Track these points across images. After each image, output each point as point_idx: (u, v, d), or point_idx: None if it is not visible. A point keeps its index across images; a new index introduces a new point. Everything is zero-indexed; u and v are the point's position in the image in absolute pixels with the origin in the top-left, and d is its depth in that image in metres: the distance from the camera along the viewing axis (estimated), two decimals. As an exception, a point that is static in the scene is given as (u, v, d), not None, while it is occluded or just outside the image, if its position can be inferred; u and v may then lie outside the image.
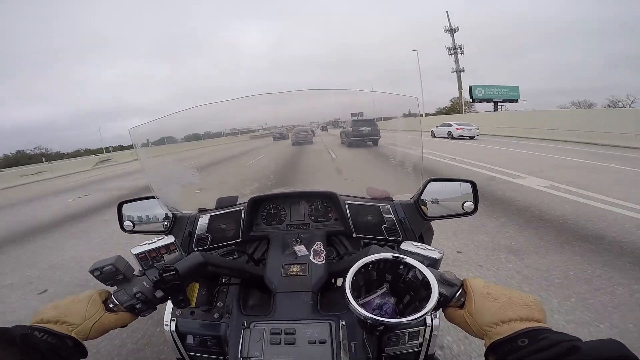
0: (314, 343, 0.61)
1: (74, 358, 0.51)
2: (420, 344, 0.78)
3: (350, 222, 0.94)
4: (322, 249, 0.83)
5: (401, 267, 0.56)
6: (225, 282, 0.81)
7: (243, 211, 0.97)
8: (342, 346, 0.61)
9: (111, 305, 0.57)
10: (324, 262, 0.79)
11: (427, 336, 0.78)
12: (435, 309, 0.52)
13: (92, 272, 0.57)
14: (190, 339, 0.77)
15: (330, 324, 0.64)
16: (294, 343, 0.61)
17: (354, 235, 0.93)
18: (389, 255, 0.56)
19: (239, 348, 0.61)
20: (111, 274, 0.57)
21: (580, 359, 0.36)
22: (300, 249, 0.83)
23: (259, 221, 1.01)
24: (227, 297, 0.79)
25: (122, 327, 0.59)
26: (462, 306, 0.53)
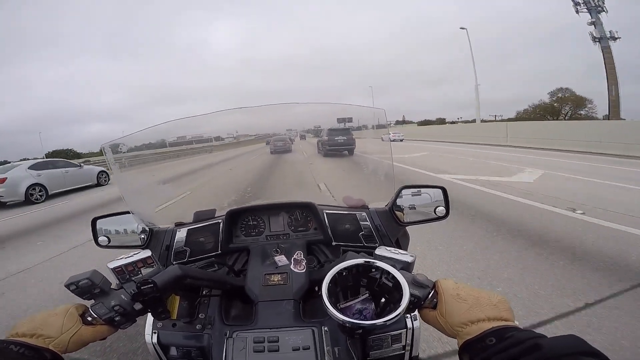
0: (298, 349, 0.61)
1: None
2: (404, 346, 0.80)
3: (329, 230, 0.96)
4: (302, 257, 0.84)
5: (374, 271, 0.58)
6: (206, 293, 0.81)
7: (221, 224, 0.96)
8: (325, 351, 0.61)
9: (89, 319, 0.56)
10: (304, 270, 0.80)
11: (409, 338, 0.79)
12: (410, 310, 0.55)
13: (67, 286, 0.56)
14: (173, 351, 0.76)
15: (313, 330, 0.64)
16: (277, 350, 0.61)
17: (333, 243, 0.95)
18: (361, 260, 0.58)
19: (222, 357, 0.61)
20: (87, 287, 0.57)
21: (543, 355, 0.38)
22: (281, 259, 0.84)
23: (238, 233, 1.00)
24: (209, 308, 0.78)
25: (101, 339, 0.58)
26: (435, 307, 0.55)
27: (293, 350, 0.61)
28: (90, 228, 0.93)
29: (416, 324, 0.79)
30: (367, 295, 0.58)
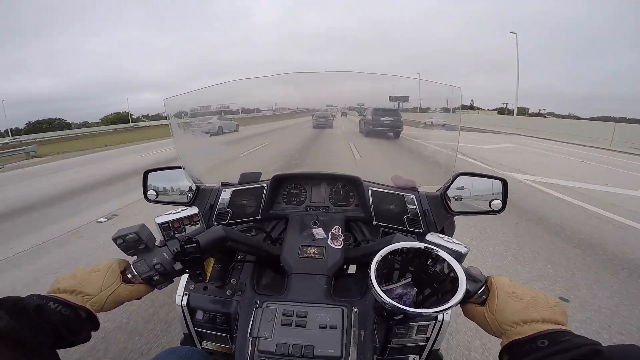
0: (325, 327, 0.59)
1: (85, 330, 0.51)
2: (427, 339, 0.78)
3: (372, 209, 0.93)
4: (340, 233, 0.82)
5: (428, 259, 0.55)
6: (241, 259, 0.81)
7: (265, 188, 0.97)
8: (352, 333, 0.60)
9: (129, 276, 0.57)
10: (341, 246, 0.78)
11: (435, 331, 0.77)
12: (460, 304, 0.51)
13: (114, 240, 0.57)
14: (199, 314, 0.77)
15: (342, 310, 0.63)
16: (304, 326, 0.59)
17: (374, 222, 0.92)
18: (420, 245, 0.55)
19: (249, 326, 0.61)
20: (133, 242, 0.57)
21: None
22: (319, 232, 0.82)
23: (279, 200, 1.01)
24: (241, 274, 0.78)
25: (136, 299, 0.59)
26: (482, 303, 0.52)
27: (320, 327, 0.60)
28: (142, 180, 0.95)
29: (447, 317, 0.76)
30: (410, 280, 0.56)
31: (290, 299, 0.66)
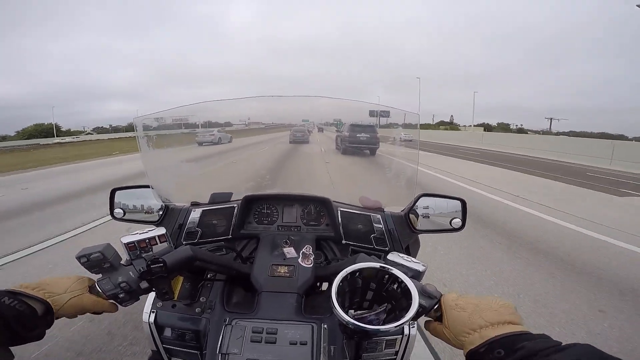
0: (295, 344, 0.60)
1: (39, 328, 0.51)
2: (396, 352, 0.80)
3: (341, 228, 0.96)
4: (310, 252, 0.84)
5: (386, 277, 0.58)
6: (210, 277, 0.81)
7: (236, 208, 0.98)
8: (322, 349, 0.61)
9: (94, 293, 0.58)
10: (311, 265, 0.80)
11: (403, 345, 0.79)
12: (414, 319, 0.54)
13: (78, 258, 0.57)
14: (168, 332, 0.77)
15: (312, 326, 0.64)
16: (274, 342, 0.61)
17: (343, 241, 0.95)
18: (376, 265, 0.58)
19: (218, 343, 0.61)
20: (98, 261, 0.57)
21: None
22: (290, 251, 0.84)
23: (250, 219, 1.01)
24: (211, 292, 0.78)
25: (97, 313, 0.59)
26: (441, 319, 0.55)
27: (290, 344, 0.61)
28: (109, 198, 0.94)
29: (413, 331, 0.79)
30: (385, 307, 0.57)
31: (261, 317, 0.67)
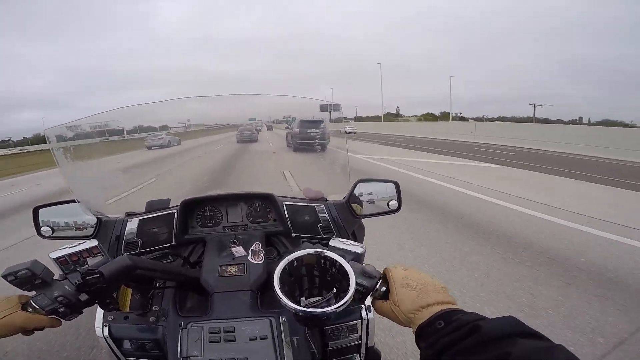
0: (255, 339, 0.61)
1: None
2: (360, 337, 0.84)
3: (289, 222, 0.97)
4: (260, 249, 0.84)
5: (325, 261, 0.60)
6: (160, 285, 0.79)
7: (175, 214, 0.95)
8: (284, 341, 0.62)
9: (30, 310, 0.56)
10: (262, 261, 0.81)
11: (364, 329, 0.83)
12: (360, 300, 0.58)
13: (4, 277, 0.54)
14: (127, 344, 0.75)
15: (270, 320, 0.65)
16: (234, 340, 0.61)
17: (293, 234, 0.97)
18: (310, 250, 0.60)
19: (177, 348, 0.61)
20: (27, 278, 0.55)
21: (482, 337, 0.40)
22: (238, 250, 0.84)
23: (194, 224, 0.99)
24: (163, 300, 0.77)
25: (38, 329, 0.58)
26: (386, 298, 0.57)
27: (250, 340, 0.61)
28: (32, 218, 0.86)
29: (370, 315, 0.83)
30: (332, 294, 0.59)
31: (216, 317, 0.67)
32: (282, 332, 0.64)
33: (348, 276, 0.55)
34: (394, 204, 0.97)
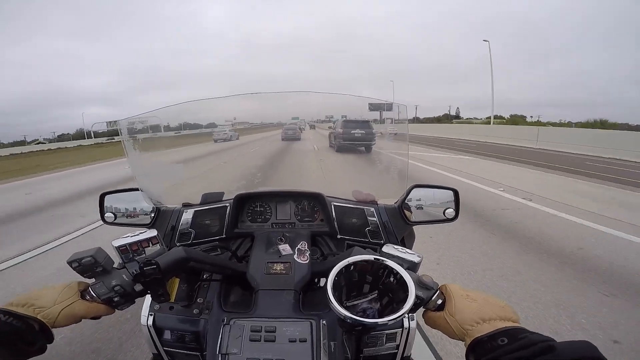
0: (294, 341, 0.60)
1: (38, 342, 0.50)
2: (397, 346, 0.80)
3: (336, 223, 0.95)
4: (306, 248, 0.83)
5: (381, 269, 0.57)
6: (207, 277, 0.81)
7: (228, 208, 0.97)
8: (322, 345, 0.61)
9: (88, 298, 0.57)
10: (307, 261, 0.80)
11: (404, 338, 0.79)
12: (412, 310, 0.54)
13: (70, 263, 0.56)
14: (167, 334, 0.77)
15: (311, 323, 0.64)
16: (274, 340, 0.60)
17: (339, 236, 0.95)
18: (370, 257, 0.58)
19: (217, 344, 0.61)
20: (90, 266, 0.57)
21: (556, 357, 0.38)
22: (285, 248, 0.83)
23: (244, 218, 1.01)
24: (208, 293, 0.78)
25: (95, 318, 0.59)
26: (439, 309, 0.55)
27: (289, 341, 0.60)
28: (98, 203, 0.93)
29: (412, 324, 0.79)
30: (376, 295, 0.57)
31: (258, 315, 0.67)
32: (321, 336, 0.62)
33: (406, 287, 0.53)
34: (450, 212, 0.91)
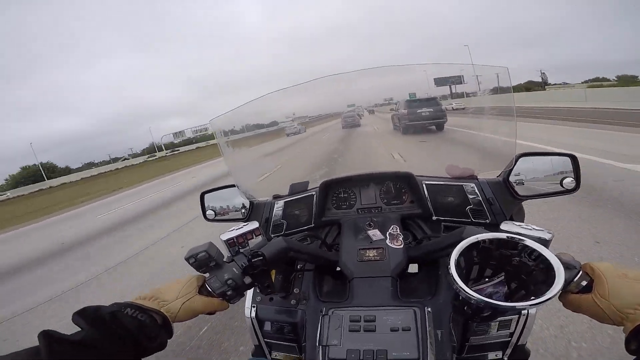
0: (397, 330, 0.57)
1: (160, 337, 0.52)
2: (511, 334, 0.72)
3: (429, 203, 0.89)
4: (398, 232, 0.79)
5: (511, 250, 0.51)
6: (300, 268, 0.82)
7: (315, 196, 0.97)
8: (428, 333, 0.57)
9: (204, 293, 0.59)
10: (402, 246, 0.76)
11: (520, 325, 0.71)
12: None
13: (187, 259, 0.59)
14: (267, 326, 0.78)
15: (414, 311, 0.60)
16: (374, 330, 0.58)
17: (434, 217, 0.88)
18: (503, 235, 0.52)
19: (317, 335, 0.60)
20: (204, 260, 0.59)
21: None
22: (375, 233, 0.80)
23: (329, 206, 1.00)
24: (303, 283, 0.78)
25: (210, 313, 0.60)
26: (584, 291, 0.49)
27: (391, 330, 0.57)
28: (200, 201, 1.01)
29: (532, 310, 0.70)
30: (502, 278, 0.52)
31: (356, 304, 0.65)
32: (427, 324, 0.58)
33: (548, 267, 0.46)
34: (569, 182, 0.77)
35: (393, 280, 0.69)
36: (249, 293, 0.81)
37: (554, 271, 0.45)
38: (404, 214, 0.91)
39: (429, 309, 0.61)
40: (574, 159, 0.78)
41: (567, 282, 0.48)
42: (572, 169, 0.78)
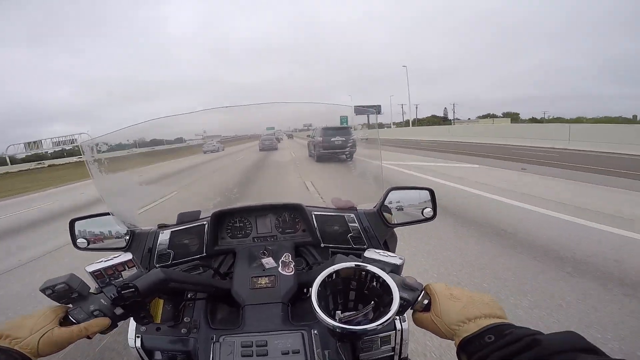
0: (287, 353, 0.60)
1: None
2: (393, 348, 0.80)
3: (318, 232, 0.95)
4: (290, 259, 0.83)
5: (363, 274, 0.57)
6: (191, 297, 0.79)
7: (206, 225, 0.95)
8: (315, 355, 0.61)
9: (68, 324, 0.55)
10: (292, 272, 0.79)
11: (398, 340, 0.80)
12: (399, 313, 0.54)
13: (43, 290, 0.55)
14: (158, 355, 0.76)
15: (302, 334, 0.64)
16: (266, 355, 0.60)
17: (322, 245, 0.94)
18: (352, 264, 0.57)
19: None
20: (64, 292, 0.55)
21: (542, 351, 0.38)
22: (268, 261, 0.83)
23: (224, 235, 0.99)
24: (194, 312, 0.77)
25: (88, 337, 0.57)
26: (427, 310, 0.55)
27: (282, 354, 0.61)
28: (69, 229, 0.89)
29: (405, 325, 0.79)
30: (370, 309, 0.56)
31: (247, 330, 0.67)
32: (314, 346, 0.63)
33: (390, 290, 0.53)
34: (428, 211, 0.92)
35: (284, 306, 0.72)
36: (132, 323, 0.76)
37: (393, 294, 0.52)
38: (297, 242, 0.95)
39: (316, 332, 0.65)
40: (432, 192, 0.93)
41: (412, 303, 0.55)
42: (430, 200, 0.93)
